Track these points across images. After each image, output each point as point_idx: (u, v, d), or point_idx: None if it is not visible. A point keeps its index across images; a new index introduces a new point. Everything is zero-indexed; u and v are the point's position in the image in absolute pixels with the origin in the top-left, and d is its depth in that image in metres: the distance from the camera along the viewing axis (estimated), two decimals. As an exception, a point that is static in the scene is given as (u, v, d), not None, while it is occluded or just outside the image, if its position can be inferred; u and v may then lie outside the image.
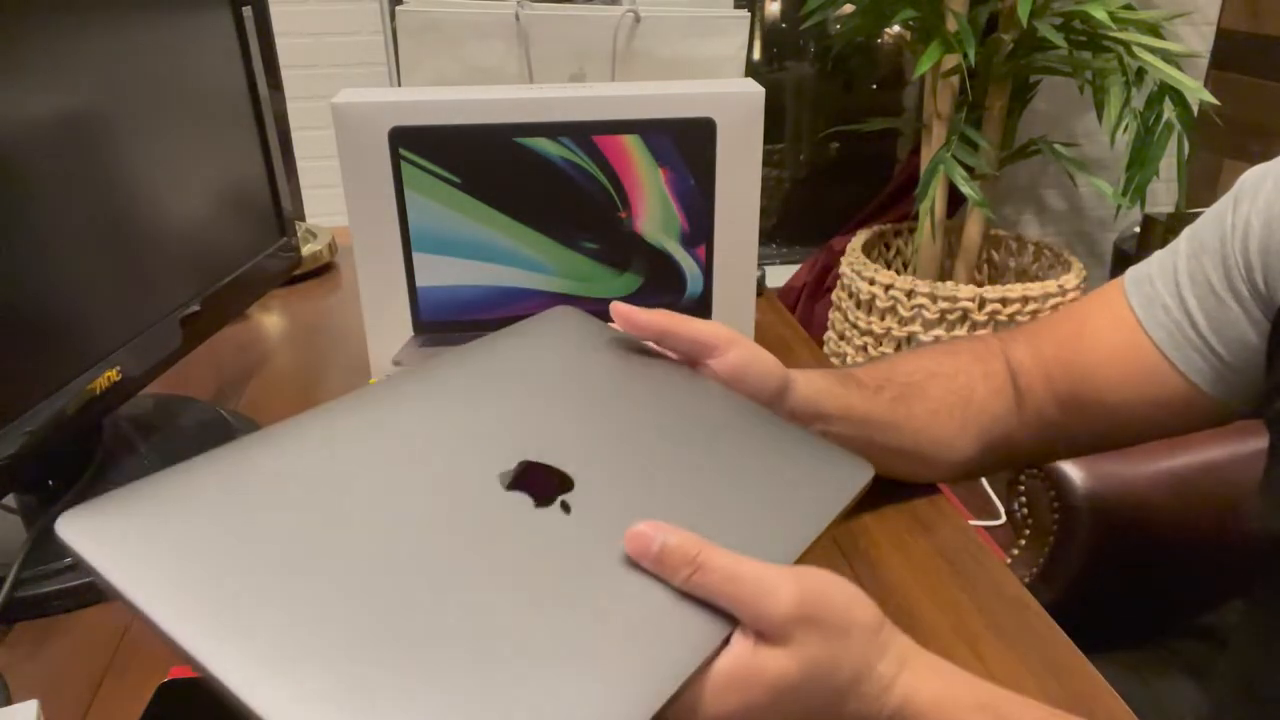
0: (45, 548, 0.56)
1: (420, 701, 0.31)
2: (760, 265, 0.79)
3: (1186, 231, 0.59)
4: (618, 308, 0.50)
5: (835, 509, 0.46)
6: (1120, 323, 0.59)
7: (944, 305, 1.84)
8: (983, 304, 1.83)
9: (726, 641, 0.37)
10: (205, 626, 0.32)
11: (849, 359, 2.02)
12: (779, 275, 2.41)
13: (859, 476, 0.49)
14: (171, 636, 0.31)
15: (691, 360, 0.53)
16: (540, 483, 0.41)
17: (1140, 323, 0.58)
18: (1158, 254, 0.60)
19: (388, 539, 0.36)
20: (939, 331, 1.86)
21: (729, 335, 0.52)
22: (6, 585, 0.53)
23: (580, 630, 0.35)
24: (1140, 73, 1.73)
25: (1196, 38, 2.35)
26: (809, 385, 0.55)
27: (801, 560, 0.42)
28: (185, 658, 0.31)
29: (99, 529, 0.34)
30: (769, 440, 0.49)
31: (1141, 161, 1.78)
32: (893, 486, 0.64)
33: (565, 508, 0.40)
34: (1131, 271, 0.61)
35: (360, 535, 0.36)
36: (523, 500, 0.40)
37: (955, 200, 2.02)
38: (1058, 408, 0.62)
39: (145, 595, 0.32)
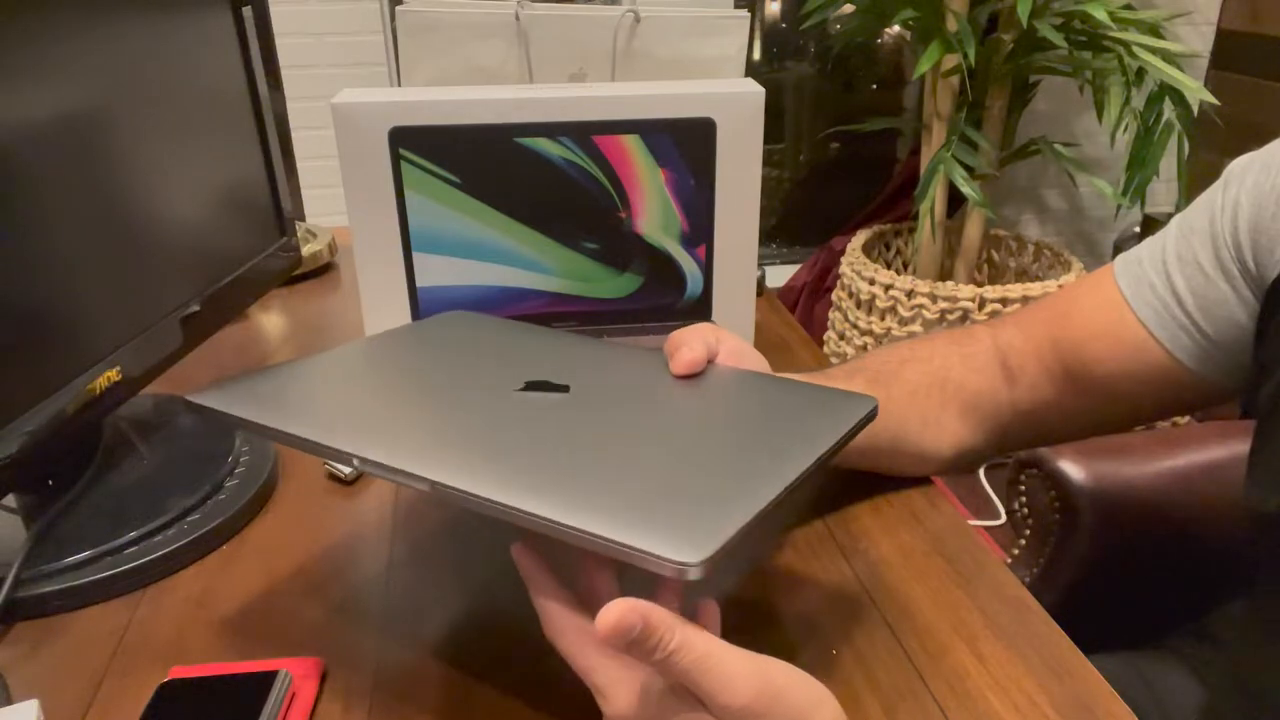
0: (45, 548, 0.56)
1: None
2: (760, 265, 0.79)
3: (1177, 217, 0.60)
4: (682, 365, 0.51)
5: (834, 436, 0.45)
6: (1108, 302, 0.60)
7: (944, 305, 1.84)
8: (983, 304, 1.83)
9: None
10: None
11: (849, 359, 2.03)
12: (779, 275, 2.41)
13: (862, 406, 0.49)
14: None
15: None
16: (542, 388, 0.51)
17: (1127, 301, 0.59)
18: (1148, 240, 0.61)
19: (440, 393, 0.51)
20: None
21: (727, 338, 0.54)
22: (6, 585, 0.53)
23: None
24: (1140, 73, 1.73)
25: (1196, 38, 2.35)
26: None
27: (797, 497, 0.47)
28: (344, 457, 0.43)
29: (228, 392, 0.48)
30: (766, 387, 0.52)
31: (1141, 161, 1.78)
32: (892, 485, 0.64)
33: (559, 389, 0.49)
34: (1121, 256, 0.62)
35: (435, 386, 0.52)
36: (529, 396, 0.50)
37: (955, 200, 2.02)
38: (1051, 385, 0.63)
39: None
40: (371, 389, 0.51)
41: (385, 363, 0.54)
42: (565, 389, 0.50)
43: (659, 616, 0.35)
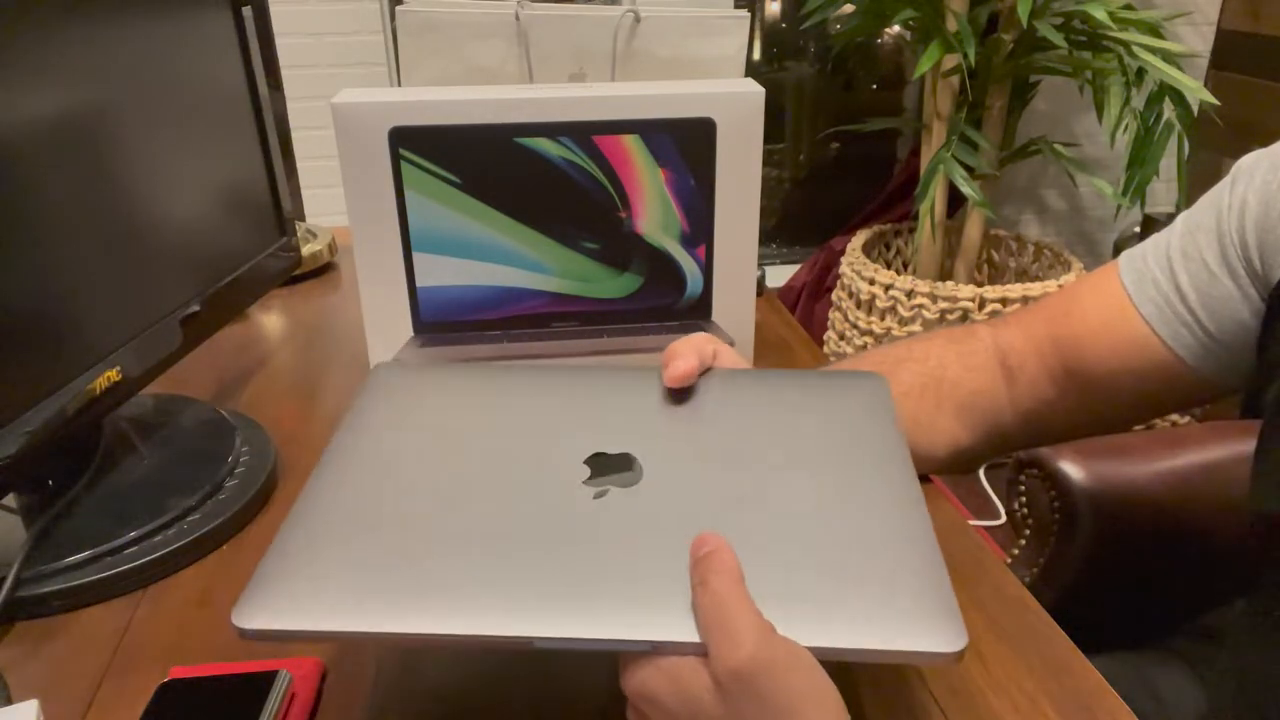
0: (45, 548, 0.56)
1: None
2: (760, 265, 0.79)
3: (1182, 214, 0.60)
4: (675, 378, 0.50)
5: (895, 428, 0.49)
6: (1111, 298, 0.60)
7: (944, 305, 1.84)
8: (983, 304, 1.83)
9: (683, 651, 0.37)
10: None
11: (847, 359, 2.03)
12: (779, 275, 2.41)
13: (878, 384, 0.52)
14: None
15: None
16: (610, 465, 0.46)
17: (1130, 297, 0.59)
18: (1153, 236, 0.61)
19: (491, 488, 0.44)
20: (939, 331, 1.87)
21: (721, 347, 0.54)
22: (6, 585, 0.53)
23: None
24: (1140, 73, 1.73)
25: (1196, 38, 2.35)
26: None
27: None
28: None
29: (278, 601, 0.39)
30: (783, 386, 0.51)
31: (1141, 161, 1.78)
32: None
33: (600, 494, 0.44)
34: (1126, 253, 0.62)
35: (481, 477, 0.45)
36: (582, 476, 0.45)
37: (955, 200, 2.02)
38: (1051, 384, 0.62)
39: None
40: (440, 525, 0.42)
41: (412, 475, 0.45)
42: (627, 459, 0.46)
43: (722, 559, 0.38)
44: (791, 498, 0.44)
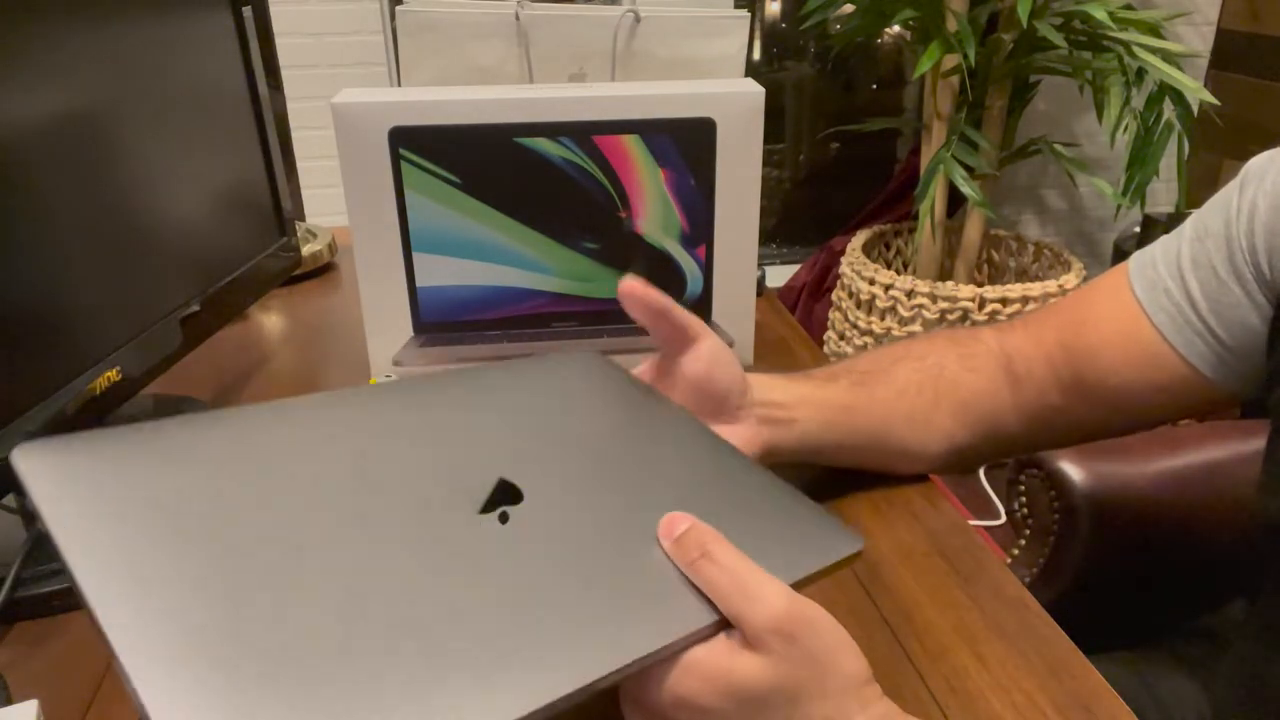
0: (45, 548, 0.56)
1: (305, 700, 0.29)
2: (760, 265, 0.79)
3: (1192, 217, 0.58)
4: (627, 282, 0.53)
5: (806, 570, 0.42)
6: (1123, 307, 0.59)
7: (944, 305, 1.84)
8: (983, 304, 1.83)
9: (703, 636, 0.37)
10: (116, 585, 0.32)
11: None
12: (779, 275, 2.41)
13: (845, 545, 0.44)
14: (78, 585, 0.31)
15: (670, 347, 0.56)
16: (497, 494, 0.40)
17: (1142, 307, 0.58)
18: (1163, 239, 0.60)
19: (323, 532, 0.35)
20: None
21: (706, 329, 0.57)
22: (6, 585, 0.53)
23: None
24: (1140, 73, 1.73)
25: (1196, 38, 2.35)
26: (764, 380, 0.59)
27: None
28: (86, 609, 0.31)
29: (52, 466, 0.36)
30: (752, 495, 0.46)
31: (1141, 161, 1.78)
32: (892, 484, 0.64)
33: (504, 518, 0.39)
34: (1136, 256, 0.61)
35: (289, 526, 0.35)
36: (468, 507, 0.39)
37: (955, 200, 2.02)
38: (1060, 392, 0.62)
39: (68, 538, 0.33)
40: (356, 602, 0.32)
41: (250, 553, 0.34)
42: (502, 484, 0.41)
43: (706, 529, 0.39)
44: (648, 474, 0.45)
